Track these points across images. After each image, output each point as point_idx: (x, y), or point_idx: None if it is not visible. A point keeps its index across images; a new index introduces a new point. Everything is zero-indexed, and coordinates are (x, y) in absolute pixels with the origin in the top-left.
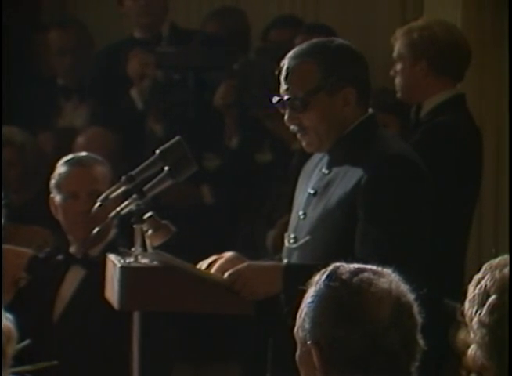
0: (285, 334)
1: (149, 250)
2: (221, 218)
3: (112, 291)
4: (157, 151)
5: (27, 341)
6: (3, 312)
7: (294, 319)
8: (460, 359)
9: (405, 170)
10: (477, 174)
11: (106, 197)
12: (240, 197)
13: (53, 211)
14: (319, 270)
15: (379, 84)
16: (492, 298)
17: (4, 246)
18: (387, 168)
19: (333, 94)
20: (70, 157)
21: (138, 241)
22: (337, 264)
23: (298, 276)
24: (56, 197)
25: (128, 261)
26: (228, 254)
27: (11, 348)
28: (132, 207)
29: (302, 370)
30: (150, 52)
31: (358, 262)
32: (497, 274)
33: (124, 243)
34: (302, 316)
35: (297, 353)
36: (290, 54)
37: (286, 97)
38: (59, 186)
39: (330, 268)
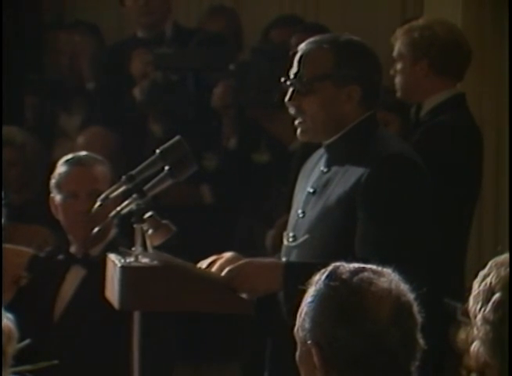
0: (283, 334)
1: (150, 249)
2: (220, 218)
3: (112, 291)
4: (157, 151)
5: (27, 341)
6: (3, 312)
7: (294, 318)
8: (461, 358)
9: (405, 169)
10: (478, 174)
11: (107, 197)
12: (240, 197)
13: (53, 210)
14: (319, 269)
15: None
16: (497, 295)
17: (4, 245)
18: (387, 166)
19: (338, 86)
20: (70, 156)
21: (138, 241)
22: (337, 264)
23: (298, 274)
24: (56, 197)
25: (128, 260)
26: (227, 255)
27: (11, 348)
28: (132, 206)
29: (302, 369)
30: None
31: (358, 261)
32: (502, 272)
33: (124, 242)
34: (302, 315)
35: (297, 353)
36: (309, 39)
37: (293, 77)
38: (60, 186)
39: (330, 267)
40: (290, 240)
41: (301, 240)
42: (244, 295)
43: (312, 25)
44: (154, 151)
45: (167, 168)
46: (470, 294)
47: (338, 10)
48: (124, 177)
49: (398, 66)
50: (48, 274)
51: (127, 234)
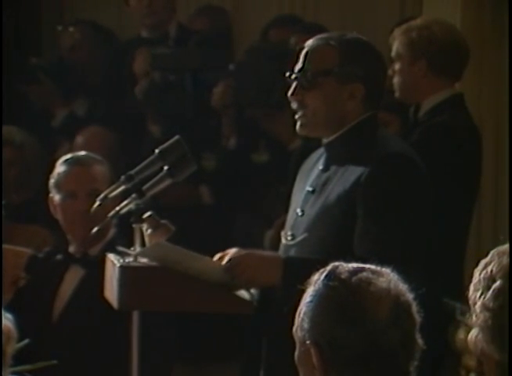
0: (279, 334)
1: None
2: (219, 218)
3: (111, 291)
4: (156, 150)
5: (26, 341)
6: (3, 312)
7: (293, 318)
8: (459, 358)
9: (404, 168)
10: (477, 173)
11: (105, 197)
12: (239, 197)
13: (52, 210)
14: (318, 266)
15: None
16: (498, 283)
17: (3, 246)
18: (387, 165)
19: (342, 83)
20: (69, 156)
21: (137, 241)
22: (336, 263)
23: (298, 270)
24: (55, 197)
25: (127, 260)
26: (232, 250)
27: (11, 348)
28: (131, 206)
29: (301, 369)
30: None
31: (356, 259)
32: (504, 260)
33: (123, 242)
34: (301, 315)
35: (296, 353)
36: (316, 36)
37: (298, 71)
38: (58, 186)
39: (329, 267)
40: (289, 238)
41: (299, 238)
42: (241, 286)
43: (312, 25)
44: (153, 151)
45: (166, 167)
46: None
47: (337, 10)
48: (123, 177)
49: (397, 66)
50: (46, 274)
51: (126, 234)
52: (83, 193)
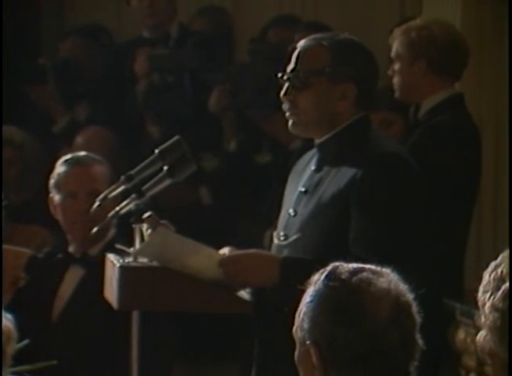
0: (274, 334)
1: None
2: (219, 219)
3: (111, 291)
4: (156, 151)
5: (26, 341)
6: (3, 312)
7: (291, 319)
8: (459, 358)
9: (399, 168)
10: (477, 173)
11: (105, 197)
12: (239, 198)
13: (52, 210)
14: (315, 268)
15: (382, 84)
16: (507, 284)
17: (3, 246)
18: (380, 166)
19: (334, 83)
20: (69, 156)
21: (137, 241)
22: (336, 264)
23: (295, 270)
24: (55, 197)
25: (127, 260)
26: (228, 249)
27: (11, 348)
28: (131, 206)
29: (301, 369)
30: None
31: (356, 260)
32: None
33: (123, 242)
34: (301, 315)
35: (296, 353)
36: (308, 37)
37: (289, 72)
38: (58, 186)
39: (329, 267)
40: (282, 238)
41: (292, 238)
42: (238, 286)
43: (314, 23)
44: (153, 151)
45: (165, 168)
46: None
47: (337, 10)
48: (122, 177)
49: (396, 66)
50: (46, 274)
51: (126, 234)
52: (83, 194)
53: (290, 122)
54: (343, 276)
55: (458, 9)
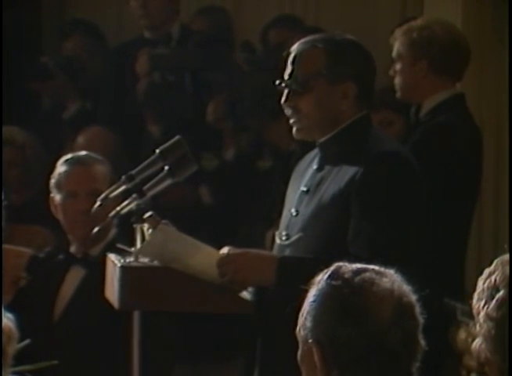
0: (275, 334)
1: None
2: (220, 219)
3: (112, 291)
4: (157, 151)
5: (27, 341)
6: (4, 312)
7: (293, 319)
8: (460, 358)
9: (399, 167)
10: (477, 174)
11: (106, 197)
12: (239, 198)
13: (53, 210)
14: (312, 267)
15: (383, 83)
16: (501, 292)
17: (4, 246)
18: (380, 164)
19: (333, 84)
20: (69, 156)
21: (138, 241)
22: (340, 263)
23: (292, 269)
24: (56, 197)
25: (128, 260)
26: (226, 249)
27: (12, 348)
28: (132, 206)
29: (303, 369)
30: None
31: (360, 261)
32: (507, 270)
33: (124, 242)
34: (304, 315)
35: (299, 352)
36: (302, 40)
37: (288, 78)
38: (59, 186)
39: (333, 267)
40: (283, 238)
41: (294, 238)
42: (235, 285)
43: (311, 28)
44: (154, 151)
45: (166, 167)
46: (473, 291)
47: (338, 10)
48: (123, 177)
49: (398, 66)
50: (47, 274)
51: (127, 234)
52: (84, 193)
53: (294, 129)
54: (346, 276)
55: (459, 9)
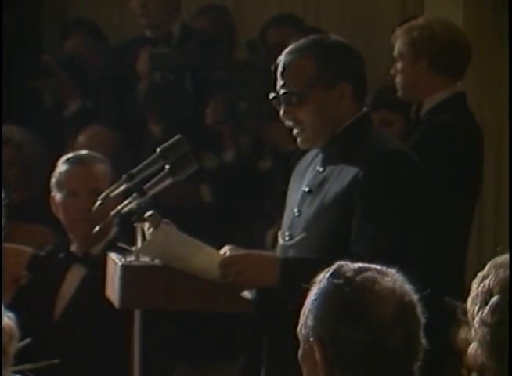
0: (279, 333)
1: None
2: (220, 218)
3: (112, 290)
4: (158, 149)
5: (28, 340)
6: (4, 311)
7: (297, 317)
8: (461, 357)
9: (400, 165)
10: (478, 172)
11: (107, 196)
12: (240, 197)
13: (54, 209)
14: (315, 267)
15: (381, 83)
16: (495, 298)
17: (4, 244)
18: (382, 163)
19: (329, 89)
20: (70, 155)
21: (139, 240)
22: (341, 262)
23: (295, 270)
24: (57, 196)
25: (128, 259)
26: (229, 249)
27: (12, 347)
28: (133, 205)
29: (304, 367)
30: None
31: (362, 260)
32: (501, 274)
33: (124, 241)
34: (306, 313)
35: (300, 351)
36: (287, 50)
37: (282, 92)
38: (60, 185)
39: (334, 266)
40: (287, 238)
41: (297, 238)
42: (237, 286)
43: (311, 28)
44: (154, 150)
45: (167, 166)
46: (469, 294)
47: (338, 9)
48: (124, 176)
49: (399, 65)
50: (48, 273)
51: (127, 233)
52: (84, 192)
53: (299, 140)
54: (348, 275)
55: (460, 7)
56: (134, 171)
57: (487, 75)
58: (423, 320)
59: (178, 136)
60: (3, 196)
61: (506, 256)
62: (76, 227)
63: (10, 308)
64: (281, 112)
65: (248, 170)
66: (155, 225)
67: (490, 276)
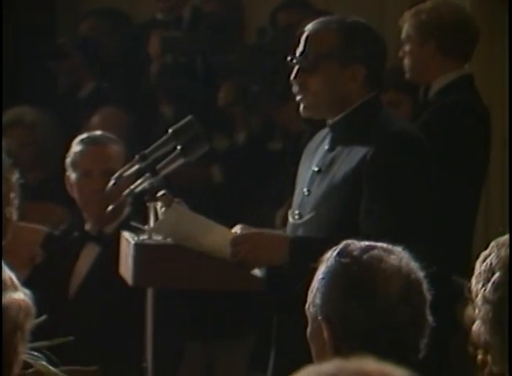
0: (289, 311)
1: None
2: (231, 198)
3: (126, 268)
4: (170, 130)
5: (44, 317)
6: (21, 288)
7: (304, 296)
8: (468, 335)
9: (409, 146)
10: (486, 153)
11: (120, 176)
12: (250, 178)
13: (69, 188)
14: (324, 246)
15: (391, 64)
16: (497, 275)
17: (20, 223)
18: (391, 143)
19: (343, 66)
20: (84, 135)
21: (151, 219)
22: (348, 241)
23: (304, 249)
24: (71, 175)
25: (141, 238)
26: (240, 228)
27: (29, 324)
28: (145, 185)
29: (313, 345)
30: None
31: (368, 238)
32: (503, 252)
33: (137, 220)
34: (313, 291)
35: (308, 329)
36: (316, 20)
37: (298, 55)
38: (74, 165)
39: (341, 245)
40: (296, 217)
41: (306, 217)
42: (247, 265)
43: (320, 11)
44: (166, 131)
45: (179, 147)
46: (473, 274)
47: None
48: (137, 156)
49: (407, 48)
50: (63, 251)
51: (140, 212)
52: (98, 172)
53: (302, 106)
54: (354, 253)
55: None
56: (146, 151)
57: (495, 56)
58: (429, 298)
59: (189, 117)
60: (18, 176)
61: (508, 236)
62: (90, 206)
63: (25, 285)
64: (292, 75)
65: (259, 151)
66: (167, 205)
67: (492, 255)
